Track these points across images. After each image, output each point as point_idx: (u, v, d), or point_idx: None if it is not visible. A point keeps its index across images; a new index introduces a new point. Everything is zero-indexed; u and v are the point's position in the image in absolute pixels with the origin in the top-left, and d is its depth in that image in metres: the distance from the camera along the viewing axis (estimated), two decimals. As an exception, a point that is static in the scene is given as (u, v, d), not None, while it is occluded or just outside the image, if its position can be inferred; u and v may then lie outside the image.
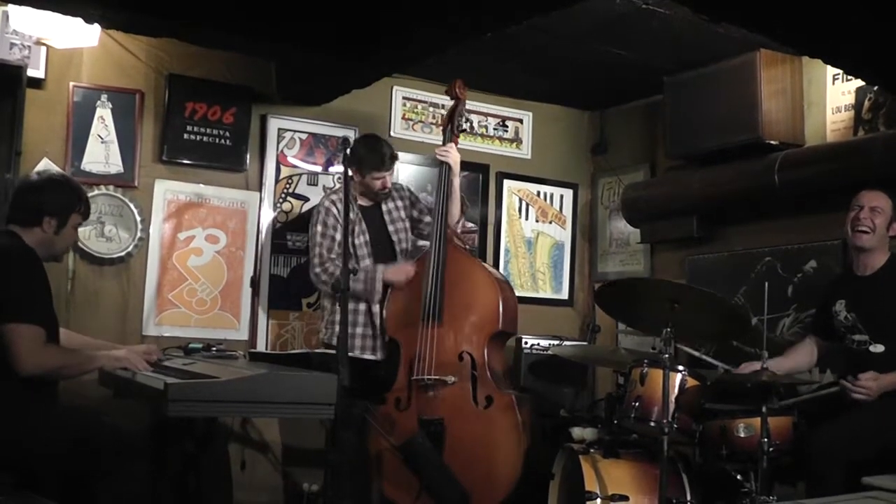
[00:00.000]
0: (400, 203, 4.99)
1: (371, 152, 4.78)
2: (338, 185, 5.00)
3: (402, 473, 4.41)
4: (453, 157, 4.78)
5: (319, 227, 4.76)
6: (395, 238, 4.90)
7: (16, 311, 3.38)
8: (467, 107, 5.00)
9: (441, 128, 5.03)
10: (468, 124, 5.08)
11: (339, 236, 4.71)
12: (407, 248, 4.94)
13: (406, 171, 5.74)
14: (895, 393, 3.89)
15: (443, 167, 4.78)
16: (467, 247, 5.14)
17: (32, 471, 3.42)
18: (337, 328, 4.69)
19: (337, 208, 4.75)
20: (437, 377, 4.47)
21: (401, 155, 5.14)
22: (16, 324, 3.36)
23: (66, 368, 3.58)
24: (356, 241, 4.77)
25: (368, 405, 4.34)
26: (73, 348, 3.76)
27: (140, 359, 3.79)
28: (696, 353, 4.71)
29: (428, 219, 4.95)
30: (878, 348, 4.02)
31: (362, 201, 4.89)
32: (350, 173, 4.83)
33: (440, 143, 5.88)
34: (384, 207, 4.93)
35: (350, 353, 4.62)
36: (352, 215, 4.75)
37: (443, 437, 4.41)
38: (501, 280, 4.73)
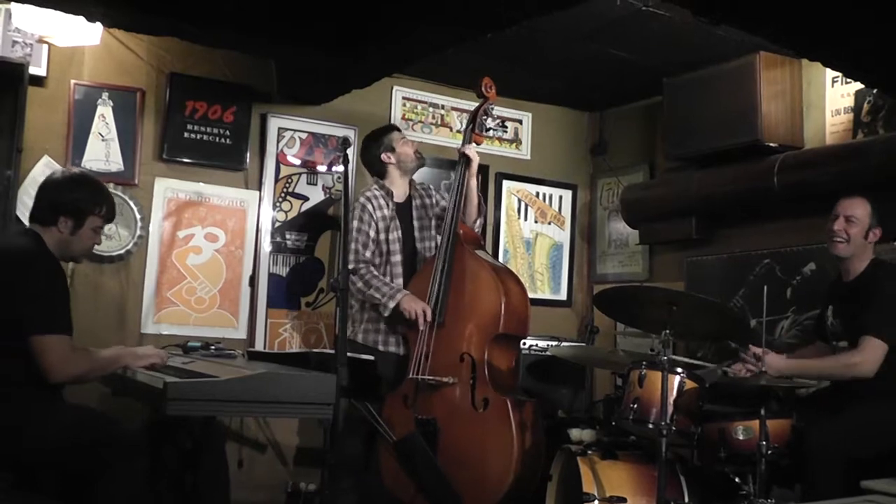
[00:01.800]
0: (428, 201, 5.02)
1: (380, 129, 5.03)
2: (374, 184, 4.99)
3: (402, 469, 4.41)
4: (473, 154, 4.78)
5: (355, 223, 4.80)
6: (417, 236, 4.92)
7: (43, 322, 3.36)
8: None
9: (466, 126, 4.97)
10: (494, 125, 4.97)
11: (373, 233, 4.78)
12: (429, 247, 4.91)
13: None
14: (892, 395, 3.90)
15: (461, 162, 4.77)
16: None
17: (32, 468, 3.42)
18: (361, 325, 4.76)
19: (372, 205, 4.81)
20: (431, 377, 4.46)
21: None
22: (44, 335, 3.34)
23: (93, 372, 3.58)
24: (389, 237, 4.81)
25: (369, 404, 4.32)
26: (94, 350, 3.74)
27: (165, 354, 3.80)
28: (689, 360, 4.70)
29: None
30: None
31: (398, 198, 4.94)
32: (384, 161, 4.94)
33: (440, 143, 5.97)
34: (414, 203, 4.97)
35: (377, 348, 4.71)
36: (385, 212, 4.81)
37: (436, 438, 4.40)
38: (510, 282, 4.62)
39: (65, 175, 3.71)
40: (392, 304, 4.62)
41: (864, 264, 4.16)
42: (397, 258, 4.82)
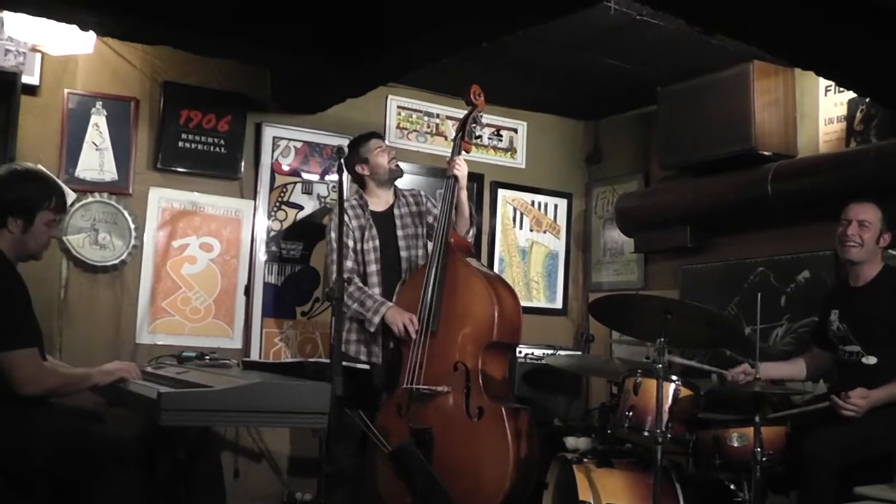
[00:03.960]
0: (415, 209, 4.96)
1: (359, 137, 4.94)
2: (353, 194, 4.97)
3: (396, 479, 4.40)
4: (462, 170, 4.70)
5: (333, 234, 4.76)
6: (402, 244, 4.86)
7: (7, 338, 3.31)
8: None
9: (456, 134, 4.88)
10: (479, 134, 4.92)
11: (351, 242, 4.75)
12: (416, 255, 4.86)
13: (401, 179, 5.72)
14: (886, 403, 3.90)
15: (450, 179, 4.70)
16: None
17: (23, 476, 3.40)
18: (346, 335, 4.73)
19: (348, 215, 4.76)
20: (426, 387, 4.43)
21: (395, 164, 5.10)
22: (7, 352, 3.29)
23: (63, 387, 3.53)
24: (365, 247, 4.76)
25: (361, 413, 4.31)
26: (67, 367, 3.72)
27: (135, 368, 3.78)
28: (687, 362, 4.70)
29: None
30: (871, 360, 4.02)
31: (375, 206, 4.89)
32: (359, 173, 4.89)
33: (435, 152, 5.96)
34: (396, 212, 4.91)
35: (359, 358, 4.66)
36: (362, 221, 4.78)
37: (431, 447, 4.35)
38: (503, 290, 4.58)
39: (8, 171, 3.57)
40: (377, 319, 4.59)
41: (876, 269, 4.16)
42: (373, 268, 4.77)
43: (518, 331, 4.63)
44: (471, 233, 4.88)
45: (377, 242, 4.80)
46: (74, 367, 3.77)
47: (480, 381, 4.36)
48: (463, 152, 4.78)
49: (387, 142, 5.59)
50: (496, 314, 4.42)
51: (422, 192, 5.14)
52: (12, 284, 3.44)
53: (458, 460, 4.30)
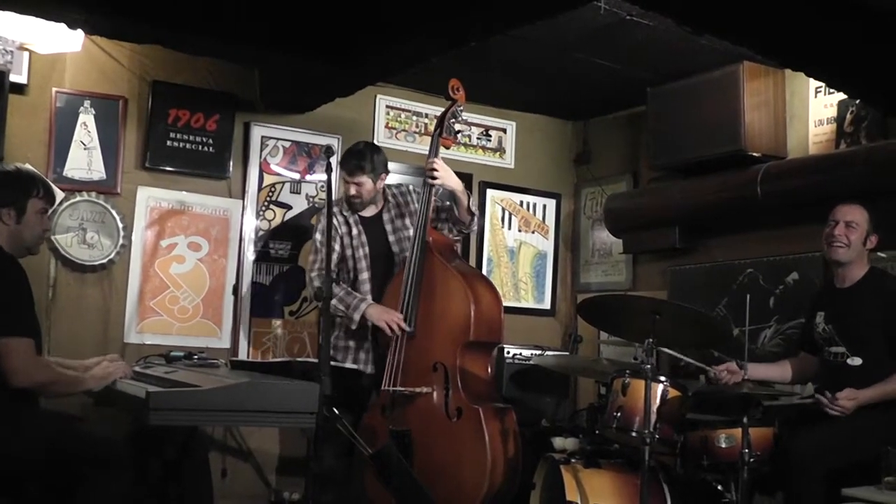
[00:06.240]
0: (406, 209, 4.83)
1: (345, 154, 4.80)
2: (343, 200, 4.85)
3: (380, 482, 4.39)
4: (440, 176, 4.56)
5: (318, 236, 4.74)
6: (395, 249, 4.77)
7: (4, 324, 3.33)
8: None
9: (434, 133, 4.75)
10: (459, 129, 4.76)
11: (336, 245, 4.69)
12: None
13: (389, 180, 5.69)
14: (873, 404, 3.91)
15: (426, 184, 4.61)
16: (455, 240, 4.86)
17: (11, 478, 3.39)
18: (334, 341, 4.69)
19: (337, 220, 4.70)
20: (403, 389, 4.40)
21: (384, 164, 5.06)
22: (6, 338, 3.31)
23: (55, 385, 3.54)
24: (356, 255, 4.70)
25: (336, 410, 4.26)
26: (61, 367, 3.72)
27: (125, 366, 3.78)
28: (678, 355, 4.68)
29: (448, 204, 4.77)
30: (856, 361, 4.03)
31: (364, 211, 4.79)
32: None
33: (423, 152, 5.88)
34: (385, 216, 4.81)
35: (335, 358, 4.60)
36: (350, 227, 4.72)
37: (411, 449, 4.33)
38: (481, 289, 4.51)
39: None
40: (357, 316, 4.52)
41: (863, 271, 4.16)
42: (365, 275, 4.70)
43: (497, 329, 4.56)
44: (471, 200, 4.74)
45: (367, 249, 4.73)
46: (69, 361, 3.77)
47: (459, 381, 4.33)
48: (442, 149, 4.69)
49: (375, 141, 5.59)
50: (472, 313, 4.37)
51: (410, 188, 4.99)
52: (15, 275, 3.49)
53: (438, 462, 4.28)
